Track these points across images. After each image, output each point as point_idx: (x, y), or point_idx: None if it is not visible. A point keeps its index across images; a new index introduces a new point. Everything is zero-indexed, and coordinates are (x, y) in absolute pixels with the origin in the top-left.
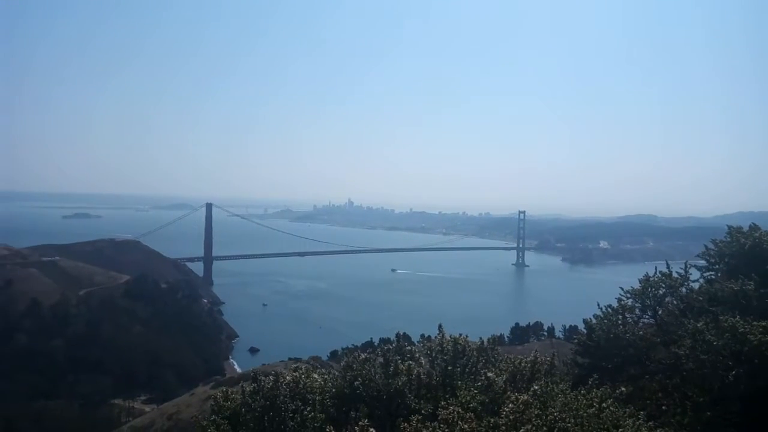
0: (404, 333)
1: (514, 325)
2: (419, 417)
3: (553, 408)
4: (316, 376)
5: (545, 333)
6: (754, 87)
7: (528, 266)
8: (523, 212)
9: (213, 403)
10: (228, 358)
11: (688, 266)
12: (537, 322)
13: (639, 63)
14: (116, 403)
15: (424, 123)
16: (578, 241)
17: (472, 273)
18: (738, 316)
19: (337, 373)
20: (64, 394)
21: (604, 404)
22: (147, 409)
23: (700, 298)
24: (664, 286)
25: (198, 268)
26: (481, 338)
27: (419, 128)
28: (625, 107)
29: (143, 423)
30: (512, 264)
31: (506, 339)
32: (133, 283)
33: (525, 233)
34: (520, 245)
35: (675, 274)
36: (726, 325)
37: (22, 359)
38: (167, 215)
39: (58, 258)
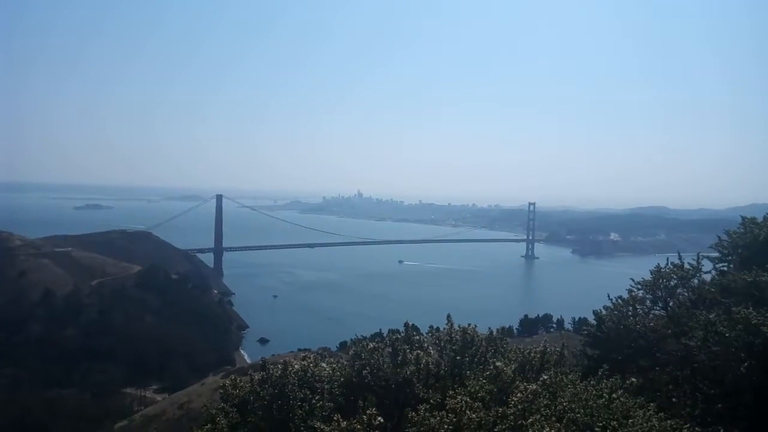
0: (413, 324)
1: (522, 316)
2: (427, 406)
3: (563, 398)
4: (324, 365)
5: (554, 325)
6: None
7: (538, 258)
8: (533, 204)
9: (222, 391)
10: (238, 349)
11: (701, 257)
12: (546, 314)
13: (644, 52)
14: (128, 392)
15: (433, 115)
16: (588, 233)
17: (481, 265)
18: (751, 308)
19: (345, 363)
20: (77, 382)
21: (614, 395)
22: (158, 398)
23: (713, 290)
24: (675, 277)
25: (208, 259)
26: (490, 329)
27: (428, 120)
28: (634, 97)
29: (155, 412)
30: (522, 256)
31: (515, 331)
32: (145, 273)
33: (535, 225)
34: (530, 237)
35: (687, 266)
36: (739, 316)
37: (35, 348)
38: (178, 206)
39: (70, 248)
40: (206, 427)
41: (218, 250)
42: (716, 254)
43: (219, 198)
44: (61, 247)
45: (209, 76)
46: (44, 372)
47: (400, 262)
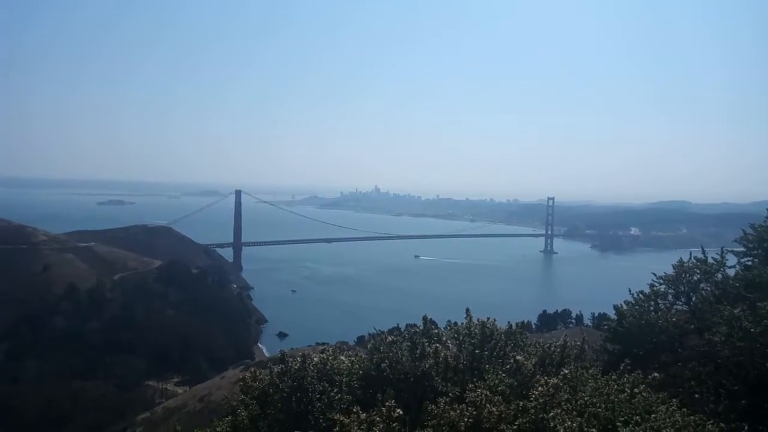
0: (430, 318)
1: (541, 312)
2: (446, 400)
3: (584, 392)
4: (343, 358)
5: (573, 320)
6: None
7: (556, 253)
8: (552, 198)
9: (242, 384)
10: (257, 342)
11: (725, 252)
12: (565, 309)
13: (657, 42)
14: (150, 384)
15: (450, 110)
16: (608, 228)
17: (498, 260)
18: None
19: (364, 356)
20: (101, 375)
21: (636, 390)
22: (179, 391)
23: (737, 285)
24: (698, 272)
25: (228, 253)
26: (509, 323)
27: (446, 115)
28: (653, 88)
29: (176, 404)
30: (540, 251)
31: (534, 326)
32: (166, 268)
33: (554, 220)
34: (549, 232)
35: (711, 260)
36: (764, 311)
37: (60, 341)
38: (197, 202)
39: (93, 243)
40: (227, 419)
41: (237, 245)
42: (741, 248)
43: (238, 193)
44: (85, 242)
45: (226, 72)
46: (68, 364)
47: (417, 257)
